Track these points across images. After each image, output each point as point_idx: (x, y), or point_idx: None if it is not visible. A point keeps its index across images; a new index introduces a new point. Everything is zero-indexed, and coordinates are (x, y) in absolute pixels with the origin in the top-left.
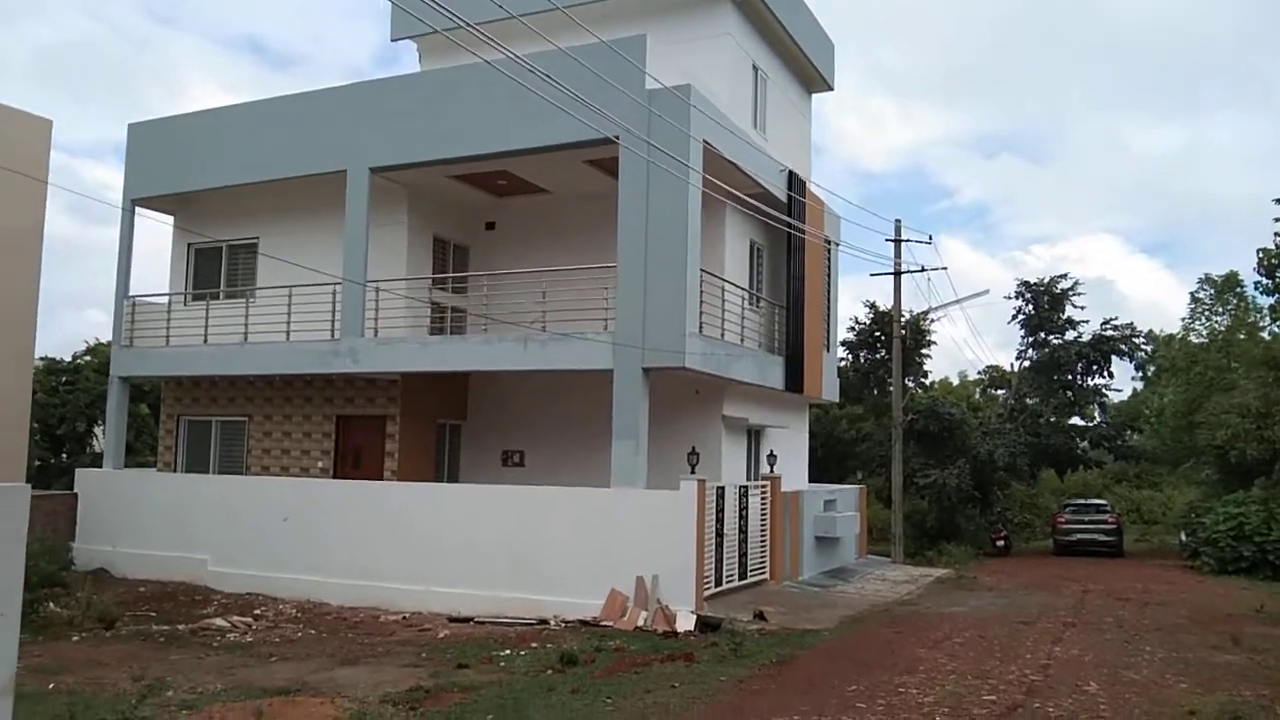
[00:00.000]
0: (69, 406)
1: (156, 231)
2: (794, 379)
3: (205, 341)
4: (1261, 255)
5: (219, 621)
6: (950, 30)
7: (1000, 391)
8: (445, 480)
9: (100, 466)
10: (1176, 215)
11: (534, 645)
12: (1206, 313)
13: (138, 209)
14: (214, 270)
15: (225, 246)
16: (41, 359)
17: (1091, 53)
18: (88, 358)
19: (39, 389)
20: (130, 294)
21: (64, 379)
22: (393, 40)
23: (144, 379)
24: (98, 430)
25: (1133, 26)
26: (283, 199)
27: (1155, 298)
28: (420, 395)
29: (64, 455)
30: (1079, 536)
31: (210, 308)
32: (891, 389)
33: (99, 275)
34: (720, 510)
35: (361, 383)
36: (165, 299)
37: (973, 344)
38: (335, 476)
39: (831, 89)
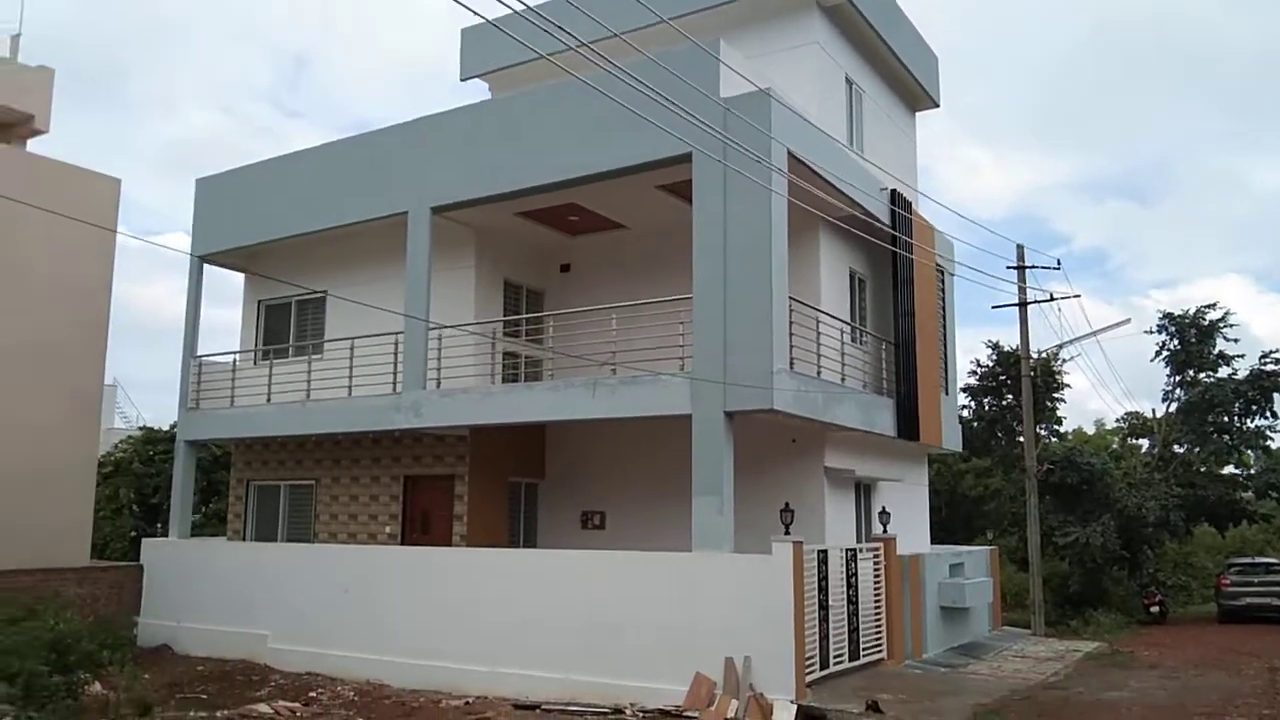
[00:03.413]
0: (163, 476)
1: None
2: (908, 424)
3: (268, 401)
4: None
5: (262, 708)
6: (1037, 74)
7: (1143, 441)
8: (521, 544)
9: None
10: None
11: None
12: None
13: (206, 266)
14: (283, 326)
15: (294, 301)
16: (140, 428)
17: (1187, 91)
18: None
19: (136, 459)
20: (197, 354)
21: (160, 448)
22: (462, 80)
23: (209, 442)
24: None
25: (1226, 60)
26: (351, 248)
27: None
28: (492, 452)
29: (159, 526)
30: (1249, 601)
31: (275, 365)
32: (1021, 438)
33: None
34: (823, 578)
35: (429, 440)
36: (231, 358)
37: (1106, 388)
38: (403, 542)
39: (937, 105)
